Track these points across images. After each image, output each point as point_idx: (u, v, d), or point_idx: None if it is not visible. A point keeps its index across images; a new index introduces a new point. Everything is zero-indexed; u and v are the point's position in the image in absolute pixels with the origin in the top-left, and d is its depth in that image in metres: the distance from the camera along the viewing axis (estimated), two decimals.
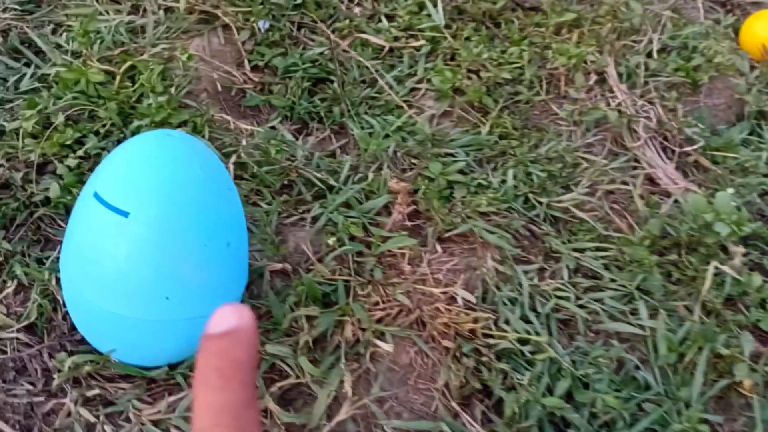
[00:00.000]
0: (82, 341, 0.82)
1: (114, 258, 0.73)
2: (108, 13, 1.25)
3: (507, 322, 0.92)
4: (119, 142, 1.05)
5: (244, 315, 0.27)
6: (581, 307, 0.96)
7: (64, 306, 0.83)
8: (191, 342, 0.76)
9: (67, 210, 0.94)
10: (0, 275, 0.85)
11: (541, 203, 1.09)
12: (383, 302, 0.91)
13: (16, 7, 1.21)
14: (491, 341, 0.89)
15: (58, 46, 1.18)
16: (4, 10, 1.21)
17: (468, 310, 0.93)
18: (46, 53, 1.16)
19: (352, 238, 0.98)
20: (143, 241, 0.72)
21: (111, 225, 0.72)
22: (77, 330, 0.82)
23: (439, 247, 1.01)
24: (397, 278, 0.95)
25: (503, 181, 1.13)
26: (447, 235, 1.00)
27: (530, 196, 1.11)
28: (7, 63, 1.14)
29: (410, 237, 0.99)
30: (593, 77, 1.33)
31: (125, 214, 0.71)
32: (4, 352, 0.80)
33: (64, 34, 1.20)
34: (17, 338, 0.81)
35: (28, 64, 1.15)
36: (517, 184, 1.11)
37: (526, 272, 0.99)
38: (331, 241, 0.94)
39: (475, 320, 0.91)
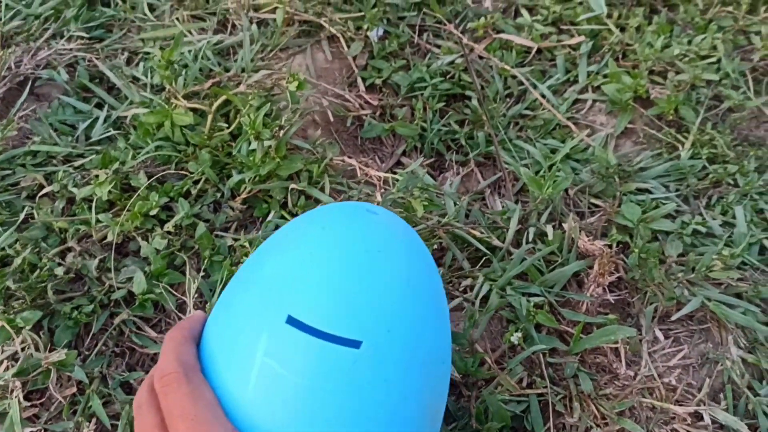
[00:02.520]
0: None
1: (339, 408, 0.42)
2: (191, 33, 1.01)
3: None
4: (216, 204, 0.81)
5: None
6: None
7: None
8: None
9: (156, 307, 0.71)
10: (74, 414, 0.62)
11: None
12: (599, 426, 0.63)
13: (83, 34, 0.99)
14: None
15: (135, 79, 0.95)
16: (69, 39, 0.99)
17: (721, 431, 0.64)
18: (120, 89, 0.94)
19: (537, 327, 0.70)
20: (383, 380, 0.43)
21: (332, 365, 0.42)
22: None
23: (659, 332, 0.72)
24: (612, 387, 0.67)
25: (725, 224, 0.82)
26: (675, 317, 0.71)
27: (767, 243, 0.80)
28: (76, 106, 0.92)
29: (620, 321, 0.71)
30: None
31: (356, 345, 0.43)
32: None
33: (141, 64, 0.97)
34: None
35: (100, 106, 0.93)
36: (747, 227, 0.81)
37: None
38: (516, 338, 0.66)
39: None
